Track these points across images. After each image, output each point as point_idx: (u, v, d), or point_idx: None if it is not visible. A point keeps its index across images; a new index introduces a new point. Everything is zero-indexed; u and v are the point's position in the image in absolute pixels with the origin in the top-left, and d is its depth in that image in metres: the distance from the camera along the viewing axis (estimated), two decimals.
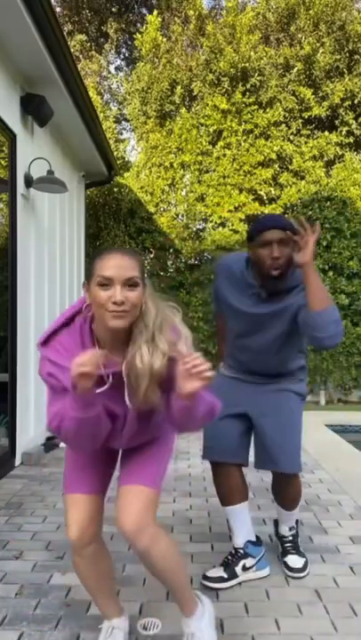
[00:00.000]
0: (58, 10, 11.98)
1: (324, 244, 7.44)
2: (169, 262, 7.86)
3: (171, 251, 7.76)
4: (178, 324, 1.44)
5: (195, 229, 7.86)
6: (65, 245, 5.37)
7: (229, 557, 2.20)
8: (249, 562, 2.17)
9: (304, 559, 2.28)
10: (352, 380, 7.53)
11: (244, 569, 2.16)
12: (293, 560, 2.25)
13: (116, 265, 1.32)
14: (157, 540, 1.48)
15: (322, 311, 1.83)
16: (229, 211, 7.63)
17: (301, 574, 2.21)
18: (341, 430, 5.75)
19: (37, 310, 4.38)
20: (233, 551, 2.21)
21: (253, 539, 2.24)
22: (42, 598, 2.03)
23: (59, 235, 5.13)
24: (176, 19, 10.13)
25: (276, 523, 2.47)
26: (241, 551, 2.19)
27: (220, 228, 7.71)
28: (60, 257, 5.16)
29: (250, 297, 2.06)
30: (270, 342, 2.07)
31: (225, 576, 2.13)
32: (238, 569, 2.15)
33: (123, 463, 1.64)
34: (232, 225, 7.61)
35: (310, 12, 8.34)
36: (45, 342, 1.44)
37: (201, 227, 7.97)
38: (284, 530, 2.37)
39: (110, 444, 1.56)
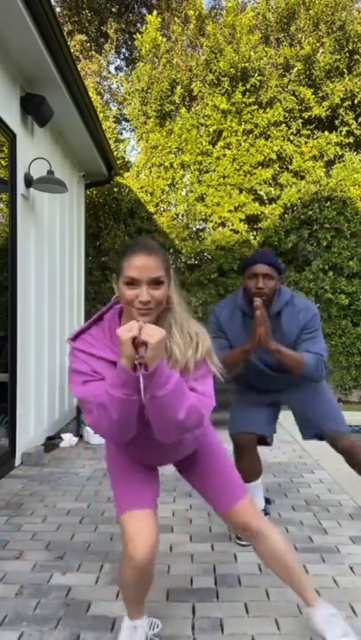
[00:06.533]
0: (58, 10, 11.99)
1: (324, 244, 7.44)
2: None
3: (171, 251, 7.76)
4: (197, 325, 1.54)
5: (195, 229, 7.85)
6: (65, 245, 5.37)
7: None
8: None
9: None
10: (352, 380, 7.53)
11: None
12: None
13: (142, 265, 1.38)
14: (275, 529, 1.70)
15: (302, 371, 2.36)
16: (229, 211, 7.62)
17: None
18: None
19: (37, 310, 4.38)
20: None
21: (264, 499, 2.77)
22: (42, 598, 2.03)
23: (59, 235, 5.13)
24: (176, 19, 10.13)
25: None
26: (263, 512, 2.65)
27: (220, 228, 7.71)
28: (60, 257, 5.16)
29: (244, 325, 2.43)
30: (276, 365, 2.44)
31: None
32: None
33: (205, 488, 1.73)
34: (232, 225, 7.61)
35: (310, 12, 8.33)
36: (75, 338, 1.52)
37: (201, 227, 7.96)
38: None
39: (152, 460, 1.67)
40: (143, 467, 1.67)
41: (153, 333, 1.30)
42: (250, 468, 2.62)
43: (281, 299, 2.41)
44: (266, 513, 2.72)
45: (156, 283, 1.40)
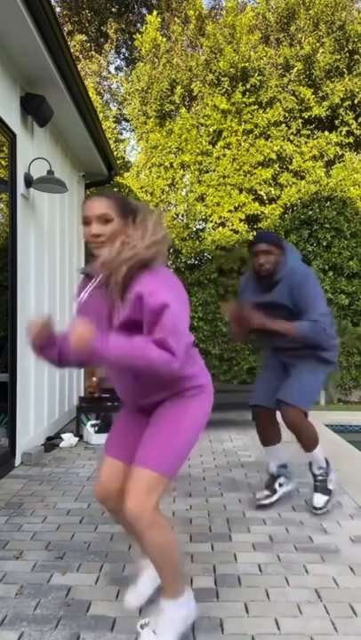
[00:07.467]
0: (58, 10, 11.99)
1: (325, 244, 7.44)
2: (169, 262, 7.86)
3: (171, 251, 7.76)
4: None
5: (195, 229, 7.86)
6: (65, 245, 5.37)
7: (269, 480, 3.02)
8: (282, 480, 3.01)
9: (326, 497, 2.90)
10: (352, 379, 7.53)
11: (280, 485, 3.00)
12: (315, 500, 2.88)
13: (91, 206, 1.64)
14: (151, 528, 1.60)
15: (296, 335, 2.70)
16: (229, 211, 7.62)
17: (321, 511, 2.85)
18: (341, 430, 5.75)
19: (37, 310, 4.38)
20: (270, 476, 3.03)
21: (283, 464, 3.06)
22: (42, 598, 2.03)
23: (59, 235, 5.13)
24: (176, 19, 10.13)
25: (310, 463, 3.04)
26: (275, 474, 3.02)
27: (220, 228, 7.71)
28: (59, 257, 5.16)
29: (255, 292, 2.89)
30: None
31: (269, 493, 2.95)
32: (276, 486, 2.99)
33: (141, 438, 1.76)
34: (232, 225, 7.61)
35: (310, 11, 8.34)
36: None
37: (201, 227, 7.97)
38: (314, 468, 2.99)
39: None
40: (135, 425, 1.82)
41: (77, 338, 1.48)
42: (263, 435, 3.01)
43: (283, 270, 2.75)
44: (279, 475, 3.01)
45: (103, 219, 1.61)
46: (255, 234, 2.97)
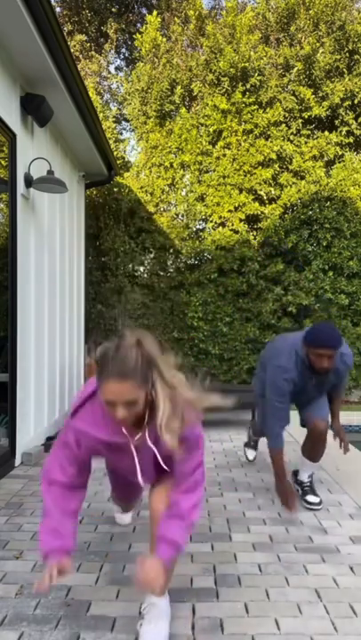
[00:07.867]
0: (58, 10, 11.99)
1: (325, 244, 7.44)
2: (169, 262, 7.86)
3: (171, 251, 7.76)
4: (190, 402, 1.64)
5: (195, 229, 7.86)
6: (65, 245, 5.37)
7: (252, 442, 3.91)
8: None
9: (319, 498, 3.07)
10: (352, 380, 7.52)
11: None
12: (311, 498, 3.06)
13: (115, 392, 1.50)
14: None
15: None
16: (229, 211, 7.62)
17: (319, 507, 3.01)
18: None
19: (37, 310, 4.38)
20: (250, 439, 3.92)
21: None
22: (42, 598, 2.03)
23: (59, 235, 5.13)
24: (176, 19, 10.13)
25: (295, 473, 3.34)
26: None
27: (220, 228, 7.71)
28: (60, 257, 5.16)
29: (304, 379, 2.92)
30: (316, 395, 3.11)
31: (254, 451, 3.90)
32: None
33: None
34: (232, 225, 7.61)
35: (310, 11, 8.33)
36: (74, 414, 1.73)
37: (201, 227, 7.96)
38: (304, 477, 3.19)
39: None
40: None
41: (152, 583, 1.59)
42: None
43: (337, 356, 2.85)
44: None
45: (130, 403, 1.53)
46: (321, 333, 2.72)
